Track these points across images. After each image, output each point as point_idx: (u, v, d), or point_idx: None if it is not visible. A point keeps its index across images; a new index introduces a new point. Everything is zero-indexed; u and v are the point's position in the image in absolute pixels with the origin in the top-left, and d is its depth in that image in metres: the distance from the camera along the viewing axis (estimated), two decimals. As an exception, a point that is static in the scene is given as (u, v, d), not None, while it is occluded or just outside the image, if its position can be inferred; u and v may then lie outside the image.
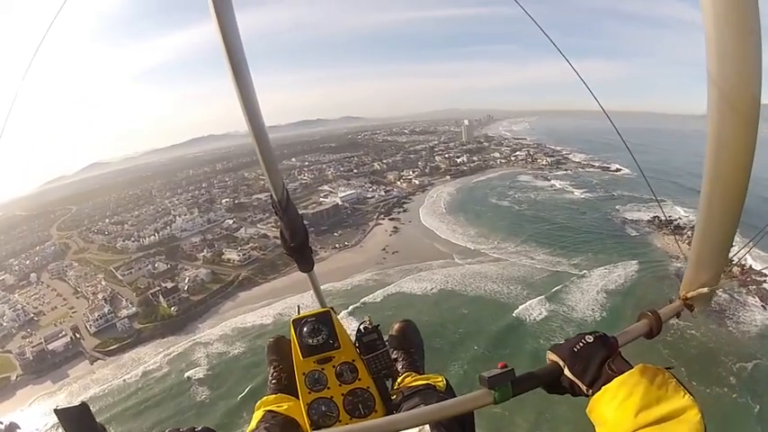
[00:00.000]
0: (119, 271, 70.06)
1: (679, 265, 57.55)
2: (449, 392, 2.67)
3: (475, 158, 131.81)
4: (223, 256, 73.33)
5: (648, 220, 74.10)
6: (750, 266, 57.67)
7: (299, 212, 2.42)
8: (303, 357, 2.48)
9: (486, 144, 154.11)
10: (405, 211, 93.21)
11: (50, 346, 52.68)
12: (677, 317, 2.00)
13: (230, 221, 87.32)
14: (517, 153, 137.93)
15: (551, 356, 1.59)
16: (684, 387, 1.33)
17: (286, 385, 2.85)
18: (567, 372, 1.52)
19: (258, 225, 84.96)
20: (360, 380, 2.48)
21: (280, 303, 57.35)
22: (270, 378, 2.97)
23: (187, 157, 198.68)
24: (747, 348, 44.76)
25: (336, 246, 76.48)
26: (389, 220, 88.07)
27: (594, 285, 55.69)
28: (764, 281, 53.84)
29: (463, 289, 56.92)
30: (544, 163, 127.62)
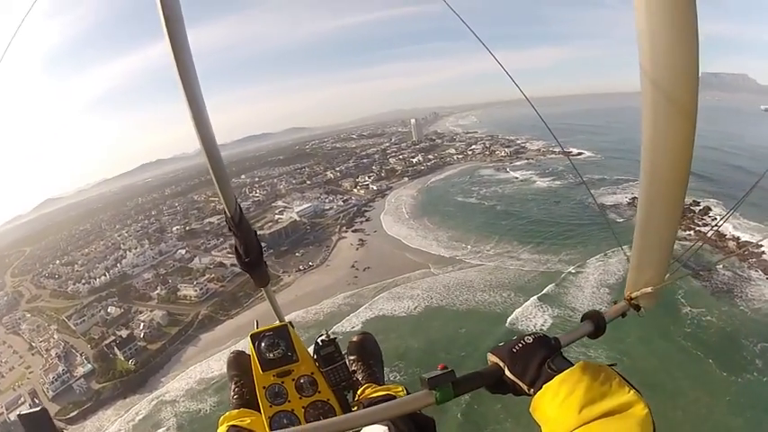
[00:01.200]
0: (71, 320, 66.31)
1: (676, 247, 55.17)
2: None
3: (430, 157, 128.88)
4: (179, 293, 68.50)
5: (629, 203, 71.58)
6: (743, 240, 56.86)
7: (253, 228, 2.40)
8: (263, 371, 2.53)
9: (439, 141, 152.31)
10: (367, 220, 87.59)
11: (12, 416, 48.33)
12: (623, 316, 2.09)
13: (183, 251, 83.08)
14: (473, 147, 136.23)
15: (492, 358, 1.64)
16: (629, 383, 1.34)
17: (248, 400, 2.79)
18: (507, 372, 1.56)
19: (213, 252, 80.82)
20: (320, 392, 2.54)
21: (246, 342, 48.62)
22: (232, 393, 2.92)
23: (137, 185, 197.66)
24: (764, 326, 42.65)
25: (301, 267, 70.08)
26: (353, 232, 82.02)
27: (592, 280, 51.70)
28: (763, 252, 52.03)
29: (450, 303, 50.71)
30: (503, 154, 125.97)
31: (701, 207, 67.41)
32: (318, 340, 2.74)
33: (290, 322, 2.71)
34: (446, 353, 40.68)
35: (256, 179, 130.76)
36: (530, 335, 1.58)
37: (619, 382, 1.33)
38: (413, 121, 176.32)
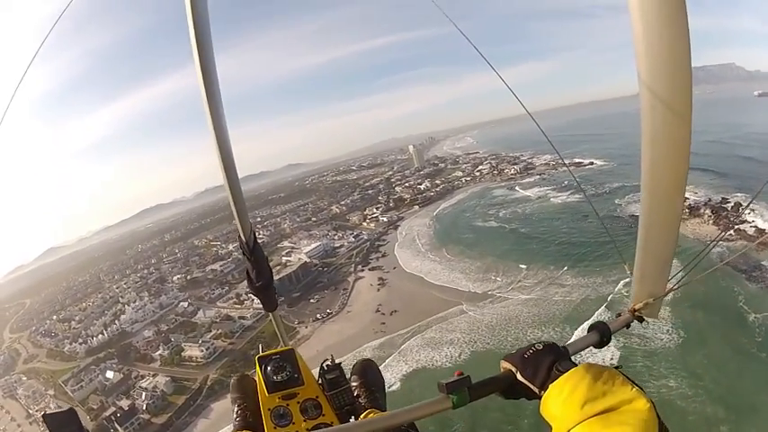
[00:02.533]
0: (68, 384, 61.86)
1: (719, 249, 51.58)
2: (412, 428, 2.58)
3: (438, 182, 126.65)
4: (183, 354, 63.10)
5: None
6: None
7: (265, 253, 2.60)
8: (268, 393, 2.62)
9: (443, 165, 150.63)
10: (383, 255, 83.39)
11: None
12: (627, 327, 2.20)
13: (185, 304, 78.13)
14: (480, 168, 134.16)
15: (504, 364, 1.72)
16: (633, 381, 1.38)
17: (251, 422, 2.83)
18: (519, 376, 1.63)
19: (218, 303, 76.33)
20: (324, 415, 2.60)
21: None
22: (234, 416, 2.96)
23: (138, 231, 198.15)
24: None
25: (318, 316, 64.71)
26: (370, 270, 77.62)
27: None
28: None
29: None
30: (512, 172, 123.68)
31: (732, 204, 64.32)
32: (324, 365, 2.81)
33: (295, 348, 2.79)
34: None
35: (258, 219, 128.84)
36: (539, 343, 1.67)
37: (622, 381, 1.37)
38: (411, 147, 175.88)
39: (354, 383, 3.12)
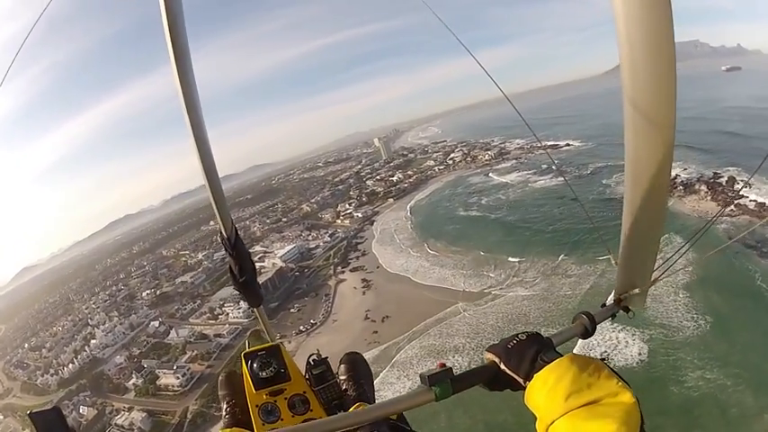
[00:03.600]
0: None
1: (725, 226, 49.73)
2: (402, 420, 2.59)
3: (410, 172, 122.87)
4: (158, 382, 58.46)
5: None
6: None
7: (247, 248, 2.63)
8: (255, 390, 2.64)
9: (412, 155, 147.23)
10: (363, 254, 78.21)
11: None
12: (612, 317, 2.23)
13: (156, 323, 73.93)
14: (452, 155, 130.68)
15: (488, 355, 1.73)
16: (618, 375, 1.40)
17: (240, 419, 2.84)
18: (503, 367, 1.64)
19: (190, 320, 72.26)
20: (312, 410, 2.63)
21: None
22: (224, 413, 2.99)
23: (107, 244, 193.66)
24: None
25: (302, 328, 59.28)
26: (351, 271, 72.37)
27: (664, 284, 43.94)
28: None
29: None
30: (486, 158, 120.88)
31: (726, 178, 63.18)
32: (310, 360, 2.87)
33: (282, 342, 2.82)
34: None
35: None
36: (523, 333, 1.68)
37: (607, 374, 1.38)
38: (376, 140, 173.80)
39: (342, 377, 3.06)
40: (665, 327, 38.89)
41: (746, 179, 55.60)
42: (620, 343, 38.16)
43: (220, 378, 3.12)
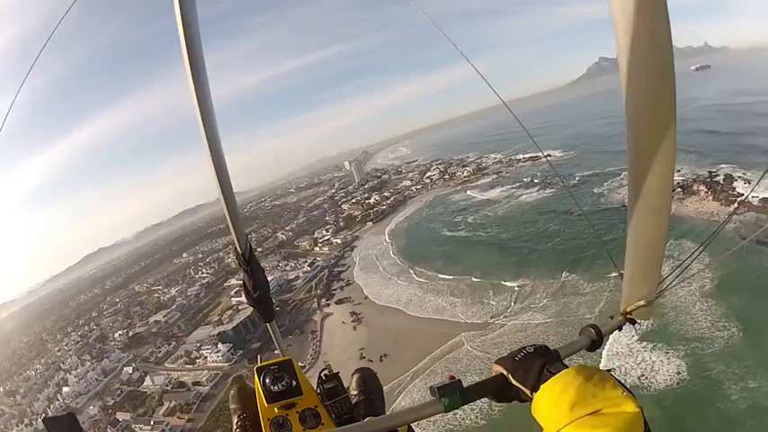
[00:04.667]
0: None
1: (734, 225, 48.85)
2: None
3: (387, 194, 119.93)
4: None
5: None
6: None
7: (261, 264, 2.78)
8: (267, 403, 2.67)
9: (386, 176, 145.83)
10: (348, 283, 73.53)
11: None
12: (619, 330, 2.25)
13: (130, 369, 70.02)
14: (429, 174, 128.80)
15: (496, 367, 1.75)
16: (623, 385, 1.42)
17: None
18: (510, 379, 1.67)
19: (166, 365, 68.33)
20: (323, 424, 2.66)
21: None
22: (234, 427, 3.04)
23: (82, 279, 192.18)
24: None
25: None
26: (337, 304, 67.55)
27: (684, 295, 41.65)
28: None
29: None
30: (465, 175, 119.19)
31: (723, 176, 62.32)
32: (322, 374, 2.92)
33: (292, 358, 2.87)
34: None
35: (200, 255, 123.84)
36: (531, 345, 1.71)
37: (613, 384, 1.40)
38: (347, 163, 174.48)
39: (353, 392, 3.10)
40: (698, 340, 36.78)
41: (757, 178, 54.74)
42: (655, 363, 35.48)
43: (232, 392, 3.12)
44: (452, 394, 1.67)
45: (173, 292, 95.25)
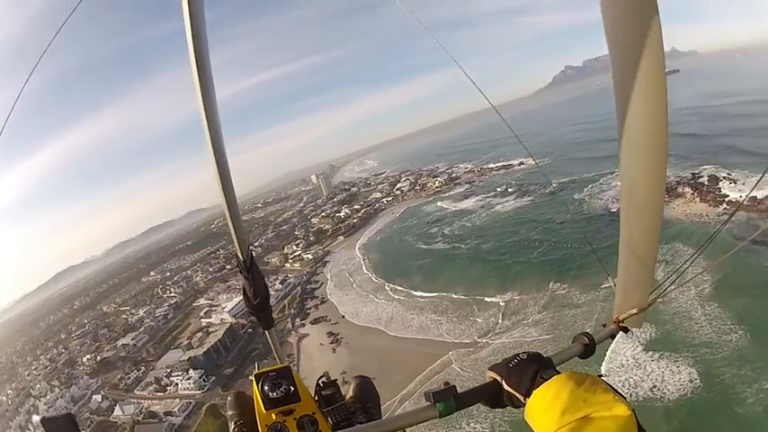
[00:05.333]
0: None
1: (728, 225, 47.23)
2: None
3: (357, 207, 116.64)
4: None
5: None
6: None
7: (261, 272, 2.81)
8: (265, 410, 2.69)
9: (355, 189, 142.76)
10: (322, 301, 69.66)
11: None
12: (612, 338, 2.30)
13: (98, 397, 66.60)
14: (399, 185, 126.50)
15: (490, 374, 1.81)
16: (614, 390, 1.46)
17: None
18: (504, 385, 1.73)
19: (136, 392, 64.63)
20: (320, 431, 2.66)
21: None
22: None
23: (52, 298, 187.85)
24: None
25: None
26: (313, 324, 63.40)
27: (684, 300, 40.60)
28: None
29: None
30: (437, 185, 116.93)
31: (707, 178, 62.21)
32: (319, 381, 2.91)
33: (290, 365, 2.91)
34: None
35: (168, 274, 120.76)
36: (524, 352, 1.76)
37: (604, 389, 1.44)
38: (314, 177, 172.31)
39: (350, 400, 3.12)
40: (705, 345, 35.75)
41: (742, 177, 54.90)
42: (664, 373, 34.07)
43: (229, 398, 3.14)
44: (447, 400, 1.73)
45: (141, 312, 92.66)
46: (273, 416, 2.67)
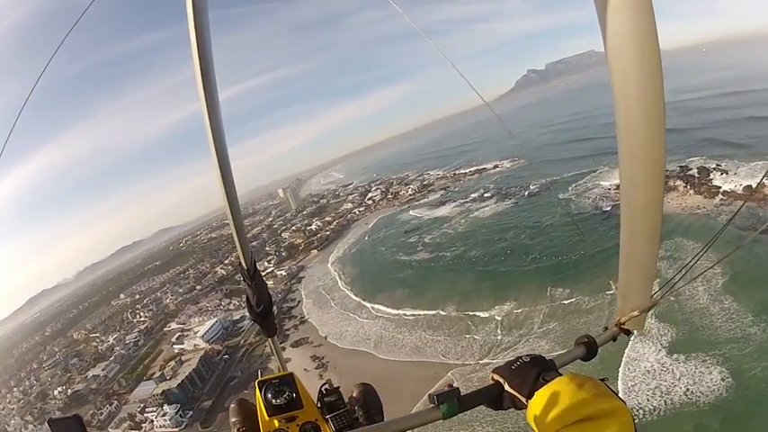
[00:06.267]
0: None
1: (727, 216, 48.80)
2: None
3: (328, 219, 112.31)
4: None
5: (617, 187, 62.86)
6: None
7: (264, 280, 2.82)
8: (268, 417, 2.72)
9: (324, 201, 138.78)
10: (301, 321, 64.51)
11: None
12: (614, 340, 2.31)
13: None
14: (370, 195, 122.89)
15: (493, 376, 1.84)
16: (614, 392, 1.50)
17: None
18: (507, 387, 1.75)
19: (110, 430, 60.49)
20: None
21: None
22: None
23: (25, 324, 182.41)
24: None
25: None
26: (294, 347, 58.13)
27: (699, 297, 38.92)
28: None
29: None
30: (410, 193, 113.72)
31: (697, 170, 61.23)
32: (322, 388, 2.89)
33: (293, 373, 2.93)
34: None
35: (137, 296, 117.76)
36: (527, 355, 1.79)
37: (604, 391, 1.47)
38: (281, 190, 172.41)
39: (353, 407, 3.10)
40: (731, 341, 34.00)
41: (732, 168, 54.21)
42: (695, 375, 32.20)
43: (232, 405, 3.16)
44: (450, 401, 1.76)
45: (111, 339, 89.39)
46: (276, 422, 2.67)
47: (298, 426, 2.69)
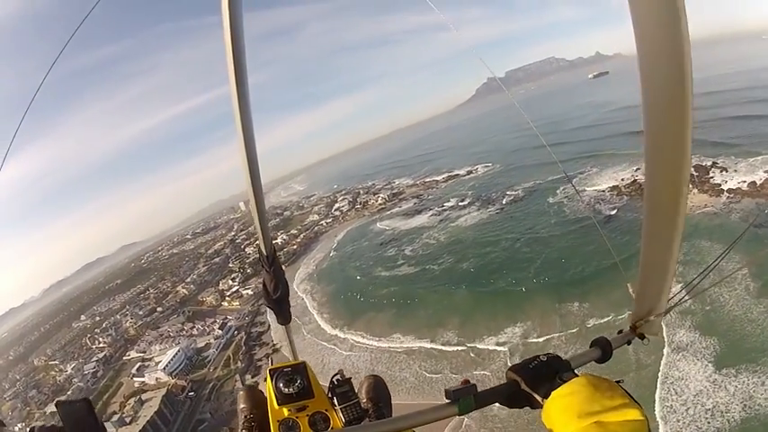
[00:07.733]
0: None
1: (740, 214, 46.84)
2: None
3: (294, 232, 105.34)
4: None
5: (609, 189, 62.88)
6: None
7: (282, 267, 2.97)
8: (278, 405, 2.80)
9: (288, 213, 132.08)
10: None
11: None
12: (628, 344, 2.32)
13: None
14: (337, 206, 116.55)
15: (510, 374, 1.87)
16: (630, 395, 1.50)
17: None
18: (523, 386, 1.79)
19: None
20: (332, 429, 2.74)
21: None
22: (240, 427, 3.11)
23: None
24: None
25: None
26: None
27: (734, 303, 35.77)
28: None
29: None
30: (380, 202, 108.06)
31: (694, 168, 58.34)
32: (334, 379, 2.92)
33: (305, 361, 2.95)
34: None
35: (97, 319, 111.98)
36: (544, 354, 1.84)
37: (621, 393, 1.49)
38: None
39: (363, 398, 3.19)
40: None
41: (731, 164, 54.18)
42: (749, 388, 29.14)
43: (241, 392, 3.23)
44: (467, 398, 1.76)
45: (69, 369, 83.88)
46: (286, 411, 2.71)
47: (307, 415, 2.67)
